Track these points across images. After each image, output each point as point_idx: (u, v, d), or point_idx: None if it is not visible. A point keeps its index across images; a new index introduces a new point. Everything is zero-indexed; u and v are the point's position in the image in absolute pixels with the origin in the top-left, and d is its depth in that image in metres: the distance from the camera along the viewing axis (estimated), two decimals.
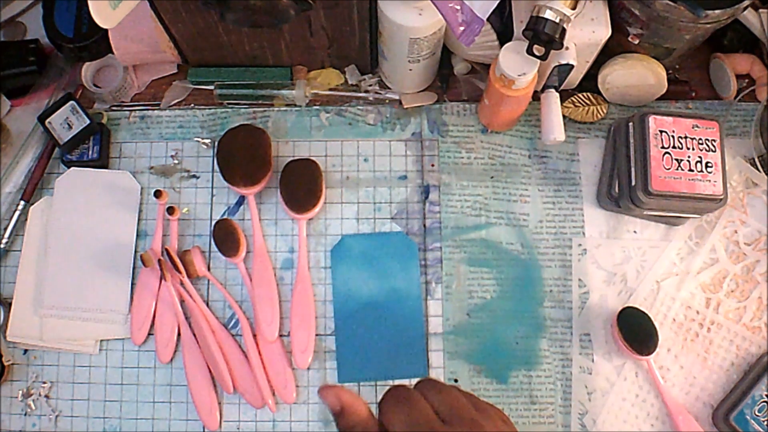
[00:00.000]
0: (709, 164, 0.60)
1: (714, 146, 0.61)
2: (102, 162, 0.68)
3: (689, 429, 0.61)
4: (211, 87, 0.70)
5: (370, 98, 0.70)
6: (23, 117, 0.70)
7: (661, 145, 0.60)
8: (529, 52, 0.57)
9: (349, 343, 0.64)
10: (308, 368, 0.63)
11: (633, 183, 0.62)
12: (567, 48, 0.59)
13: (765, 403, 0.60)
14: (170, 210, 0.64)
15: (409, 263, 0.65)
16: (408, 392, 0.40)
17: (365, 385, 0.63)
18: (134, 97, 0.71)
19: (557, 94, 0.64)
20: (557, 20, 0.55)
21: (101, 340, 0.64)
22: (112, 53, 0.68)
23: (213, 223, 0.66)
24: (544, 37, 0.55)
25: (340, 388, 0.49)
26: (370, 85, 0.71)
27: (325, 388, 0.46)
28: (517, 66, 0.58)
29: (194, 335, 0.63)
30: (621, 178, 0.64)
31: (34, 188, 0.67)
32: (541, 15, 0.55)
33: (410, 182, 0.68)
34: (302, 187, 0.65)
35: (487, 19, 0.61)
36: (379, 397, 0.44)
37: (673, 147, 0.60)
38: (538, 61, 0.58)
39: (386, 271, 0.65)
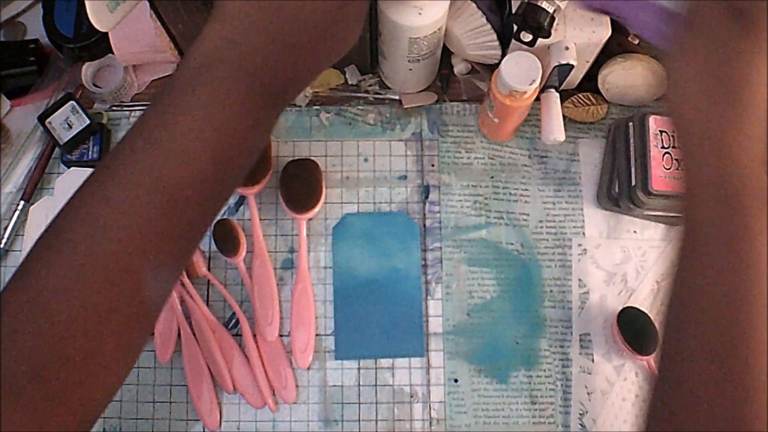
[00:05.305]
0: None
1: None
2: None
3: None
4: None
5: (370, 98, 0.70)
6: (23, 117, 0.70)
7: (661, 145, 0.60)
8: (516, 38, 0.57)
9: (347, 321, 0.64)
10: (308, 368, 0.63)
11: (633, 183, 0.62)
12: (567, 48, 0.59)
13: None
14: None
15: (409, 243, 0.66)
16: None
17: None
18: (134, 97, 0.71)
19: (557, 94, 0.64)
20: (550, 10, 0.55)
21: None
22: (112, 53, 0.68)
23: (213, 223, 0.66)
24: (532, 22, 0.55)
25: None
26: (370, 85, 0.71)
27: None
28: (522, 77, 0.58)
29: (194, 335, 0.63)
30: (621, 178, 0.64)
31: (34, 188, 0.67)
32: (532, 1, 0.55)
33: (410, 182, 0.68)
34: (302, 187, 0.65)
35: (487, 19, 0.61)
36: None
37: (673, 147, 0.60)
38: (540, 65, 0.58)
39: (387, 250, 0.65)
